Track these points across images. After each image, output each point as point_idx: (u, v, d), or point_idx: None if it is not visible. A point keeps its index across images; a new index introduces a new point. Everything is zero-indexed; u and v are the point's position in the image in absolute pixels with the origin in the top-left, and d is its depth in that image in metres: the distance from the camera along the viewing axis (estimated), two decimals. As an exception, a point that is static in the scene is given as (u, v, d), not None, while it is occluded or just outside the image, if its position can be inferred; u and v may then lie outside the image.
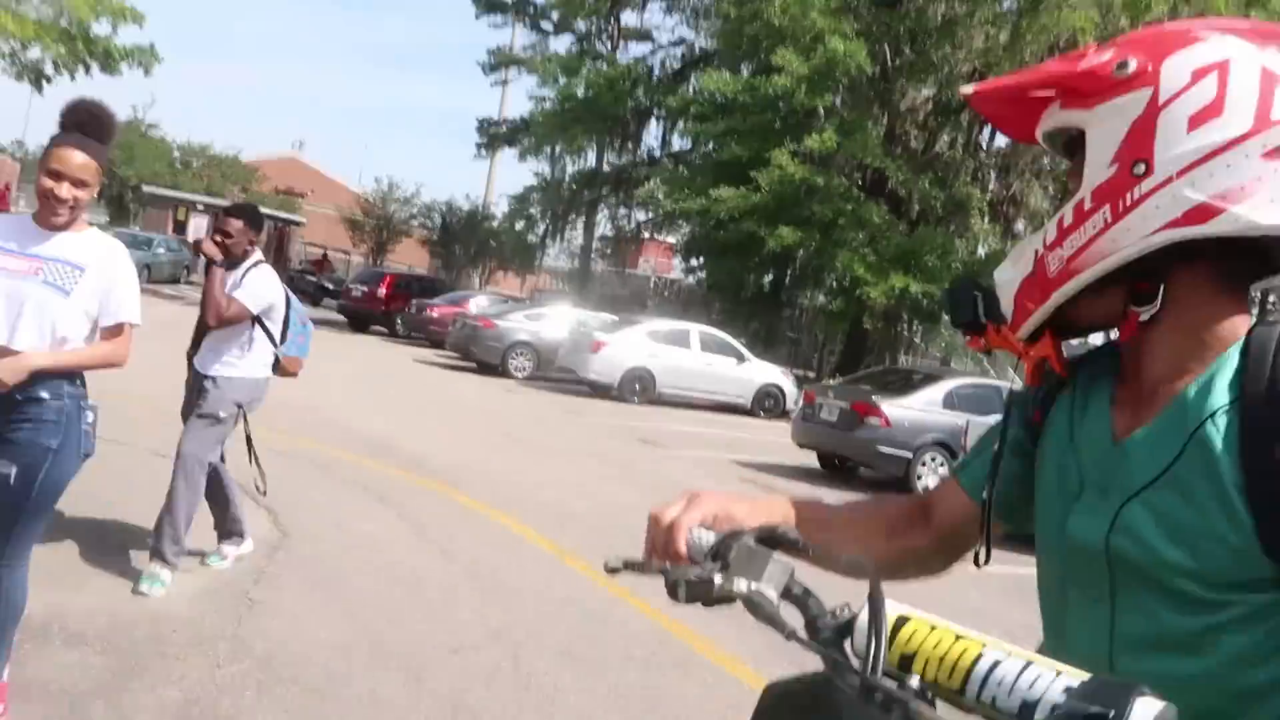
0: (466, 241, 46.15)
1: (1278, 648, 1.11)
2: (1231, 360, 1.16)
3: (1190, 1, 21.64)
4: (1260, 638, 1.11)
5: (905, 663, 1.00)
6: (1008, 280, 1.27)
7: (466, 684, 4.40)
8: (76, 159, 3.26)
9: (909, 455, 12.32)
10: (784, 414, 19.17)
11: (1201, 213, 1.11)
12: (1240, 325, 1.18)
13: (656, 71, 33.63)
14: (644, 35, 35.63)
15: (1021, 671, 0.93)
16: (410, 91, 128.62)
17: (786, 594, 1.13)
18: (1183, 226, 1.12)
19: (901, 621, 1.03)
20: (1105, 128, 1.16)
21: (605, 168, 35.08)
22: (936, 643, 1.00)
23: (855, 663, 0.99)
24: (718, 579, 1.11)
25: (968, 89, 1.27)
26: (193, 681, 4.00)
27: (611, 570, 1.23)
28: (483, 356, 21.54)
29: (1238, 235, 1.12)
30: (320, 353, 5.39)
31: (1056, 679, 0.90)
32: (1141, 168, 1.13)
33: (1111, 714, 0.83)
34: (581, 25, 35.45)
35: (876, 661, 0.96)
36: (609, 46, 35.17)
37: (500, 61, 36.94)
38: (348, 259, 48.39)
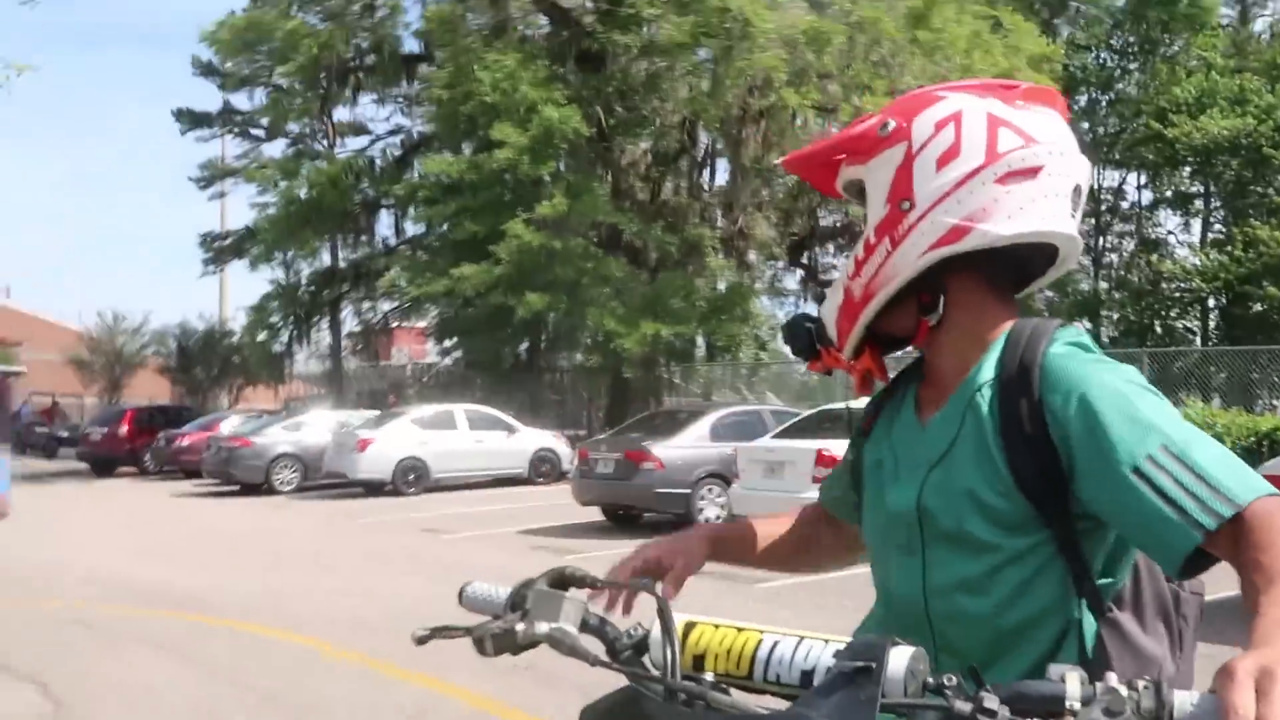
0: (208, 362, 44.24)
1: (1042, 583, 1.32)
2: (997, 348, 1.40)
3: (865, 30, 23.46)
4: (1029, 575, 1.33)
5: (698, 662, 1.10)
6: (828, 310, 1.49)
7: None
8: None
9: (687, 491, 12.70)
10: (562, 476, 19.29)
11: (956, 233, 1.36)
12: (1007, 322, 1.43)
13: (378, 162, 33.38)
14: (359, 129, 35.36)
15: (796, 647, 1.05)
16: (123, 218, 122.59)
17: (584, 627, 1.21)
18: (944, 246, 1.37)
19: (689, 627, 1.13)
20: (877, 177, 1.42)
21: (342, 264, 34.45)
22: (721, 639, 1.11)
23: (655, 672, 1.08)
24: (519, 627, 1.18)
25: (779, 160, 1.51)
26: None
27: (420, 641, 1.28)
28: (245, 477, 20.64)
29: (988, 247, 1.37)
30: (65, 506, 5.04)
31: (826, 646, 1.02)
32: (907, 204, 1.39)
33: (874, 665, 0.94)
34: (294, 127, 34.84)
35: (674, 667, 1.05)
36: (325, 144, 34.71)
37: (214, 174, 35.79)
38: (81, 402, 45.46)
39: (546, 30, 27.18)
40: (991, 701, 0.94)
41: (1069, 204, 1.40)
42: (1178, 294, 32.13)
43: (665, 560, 1.48)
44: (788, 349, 1.60)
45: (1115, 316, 35.81)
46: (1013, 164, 1.36)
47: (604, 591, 1.37)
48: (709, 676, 1.07)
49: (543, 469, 20.25)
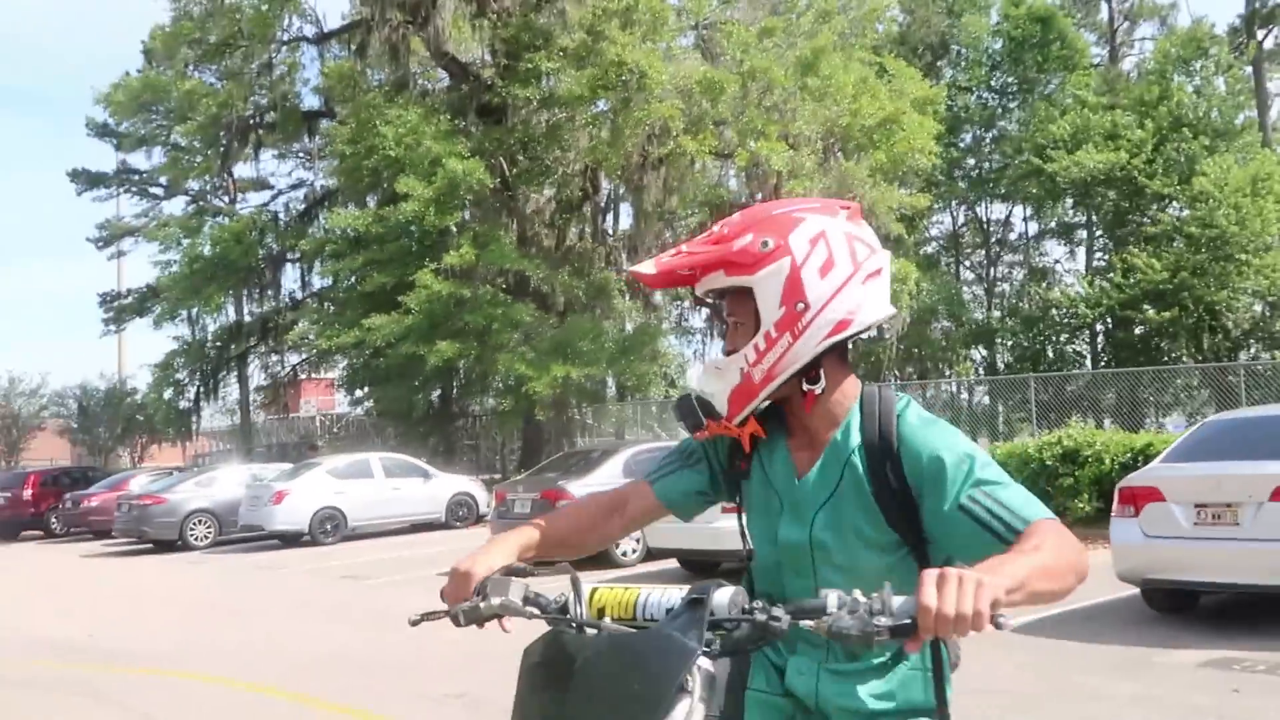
0: (110, 422, 43.53)
1: (900, 583, 1.72)
2: (855, 413, 1.92)
3: (756, 79, 24.43)
4: (894, 580, 1.81)
5: (600, 613, 1.64)
6: (719, 390, 1.92)
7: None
8: None
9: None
10: (480, 519, 19.67)
11: (841, 325, 1.87)
12: (853, 384, 1.96)
13: (282, 216, 33.50)
14: (261, 184, 35.43)
15: (662, 596, 1.59)
16: (11, 280, 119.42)
17: (527, 600, 1.75)
18: (834, 336, 1.88)
19: (594, 591, 1.67)
20: (768, 285, 1.86)
21: (247, 318, 34.36)
22: (616, 597, 1.65)
23: (570, 618, 1.62)
24: (482, 604, 1.72)
25: (642, 270, 1.93)
26: None
27: (414, 622, 1.82)
28: (158, 535, 20.54)
29: (858, 331, 1.90)
30: None
31: (680, 593, 1.57)
32: (801, 305, 1.86)
33: (705, 597, 1.50)
34: (194, 184, 34.77)
35: (583, 612, 1.59)
36: (227, 200, 34.70)
37: (113, 234, 35.52)
38: (-21, 467, 44.29)
39: (446, 85, 27.71)
40: (780, 612, 1.50)
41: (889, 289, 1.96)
42: (1066, 320, 33.57)
43: (477, 571, 1.86)
44: (679, 421, 2.02)
45: (1009, 343, 37.19)
46: (868, 269, 1.89)
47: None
48: (607, 620, 1.61)
49: (460, 513, 20.56)
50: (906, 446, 1.83)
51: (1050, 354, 35.15)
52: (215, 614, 11.76)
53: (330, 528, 19.23)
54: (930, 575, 1.43)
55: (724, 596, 1.55)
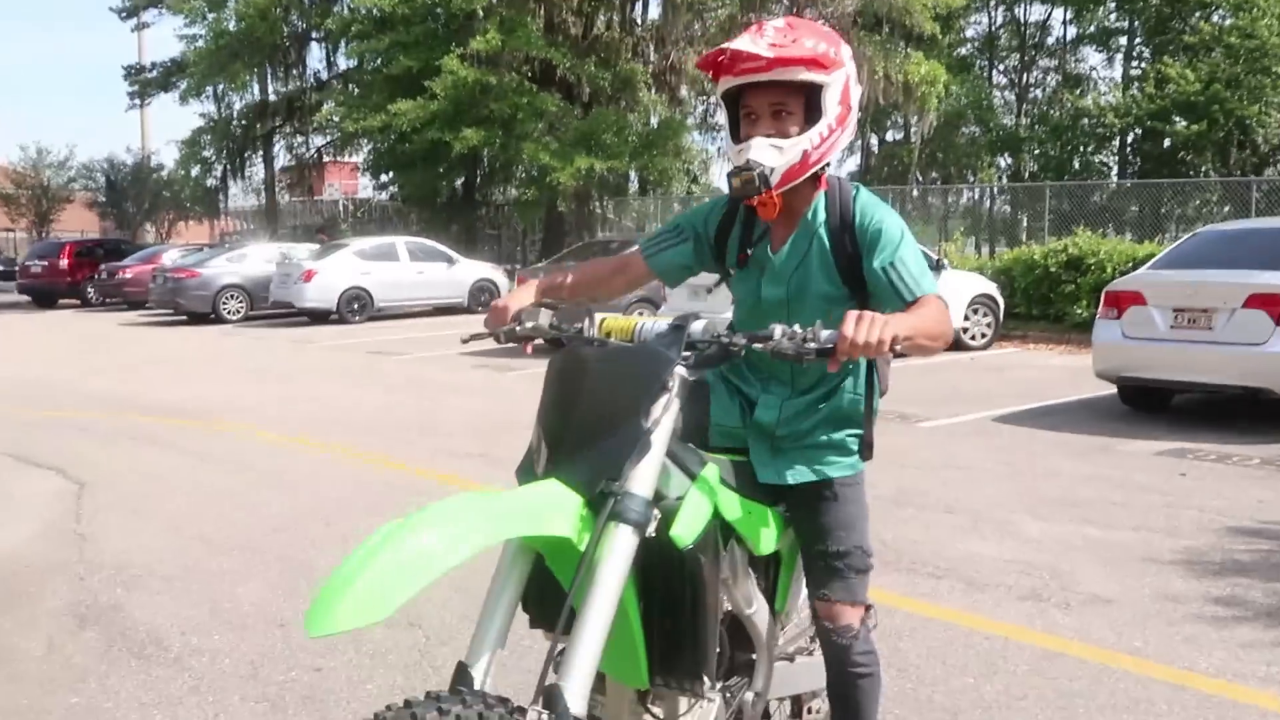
0: (138, 197, 44.02)
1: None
2: (821, 196, 2.38)
3: None
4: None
5: (608, 335, 2.17)
6: (779, 165, 2.27)
7: (297, 550, 5.35)
8: None
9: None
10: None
11: (855, 131, 2.35)
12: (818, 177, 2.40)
13: (307, -8, 32.94)
14: (286, -44, 34.64)
15: (654, 323, 2.11)
16: (34, 48, 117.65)
17: (551, 325, 2.28)
18: (849, 137, 2.37)
19: (602, 319, 2.19)
20: (836, 86, 2.29)
21: (273, 98, 34.29)
22: (619, 324, 2.17)
23: (585, 337, 2.15)
24: (518, 326, 2.25)
25: (754, 49, 2.22)
26: (66, 597, 4.78)
27: (465, 340, 2.37)
28: (192, 307, 21.38)
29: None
30: (19, 333, 5.63)
31: (669, 320, 2.09)
32: (847, 108, 2.31)
33: (685, 324, 2.02)
34: (218, -47, 34.05)
35: (592, 331, 2.13)
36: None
37: (138, 4, 35.04)
38: (11, 236, 45.12)
39: None
40: (738, 337, 2.03)
41: None
42: (1094, 130, 33.23)
43: (512, 306, 2.41)
44: (727, 188, 2.32)
45: (1035, 152, 36.85)
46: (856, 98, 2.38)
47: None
48: (612, 339, 2.15)
49: (482, 298, 21.21)
50: (860, 217, 2.34)
51: (1076, 164, 34.95)
52: (253, 379, 12.54)
53: (357, 307, 19.98)
54: (851, 314, 1.95)
55: (699, 325, 2.08)
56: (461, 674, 1.81)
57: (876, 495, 5.97)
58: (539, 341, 2.36)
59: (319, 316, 20.05)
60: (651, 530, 1.91)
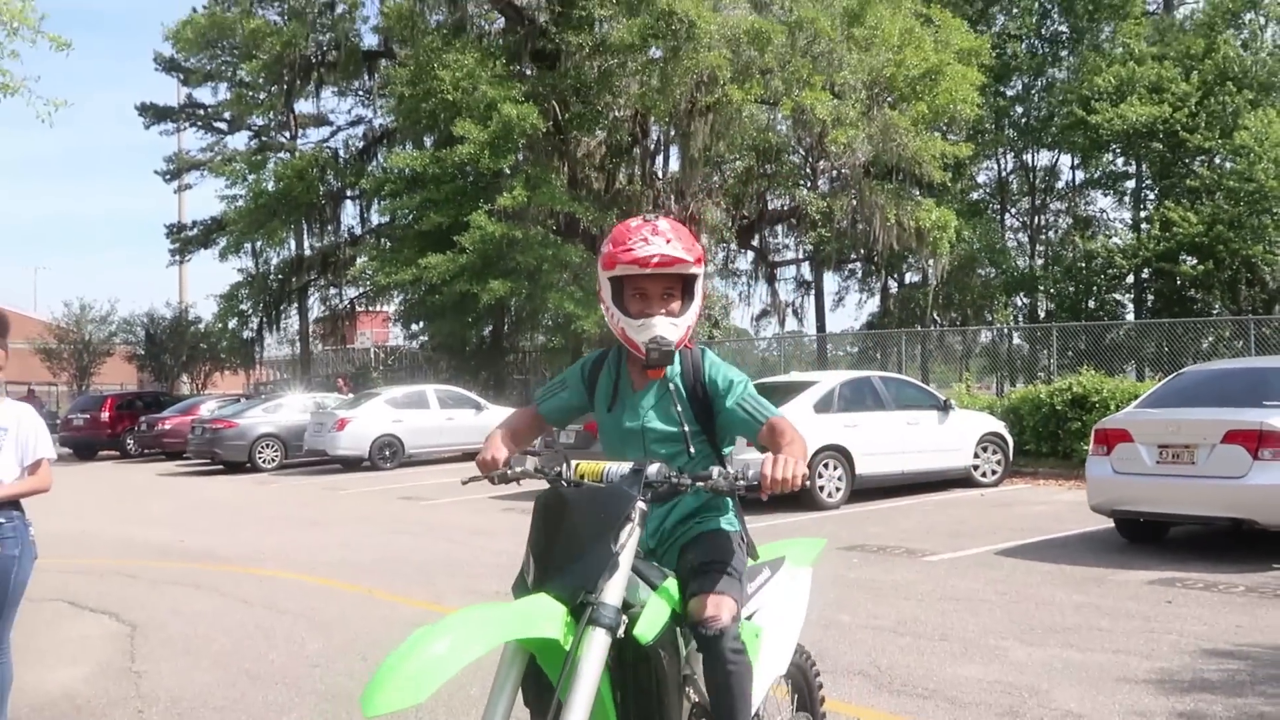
0: (175, 349, 45.30)
1: (702, 459, 2.94)
2: (678, 358, 3.03)
3: (803, 29, 25.06)
4: (699, 457, 2.95)
5: (581, 476, 2.72)
6: (675, 338, 2.98)
7: (334, 684, 5.80)
8: None
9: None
10: (537, 451, 20.87)
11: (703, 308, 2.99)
12: None
13: (341, 153, 34.63)
14: (321, 120, 36.56)
15: (618, 467, 2.67)
16: (75, 206, 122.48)
17: (537, 469, 2.83)
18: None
19: (576, 464, 2.75)
20: (700, 276, 2.99)
21: (308, 252, 35.72)
22: (591, 468, 2.73)
23: (564, 479, 2.70)
24: (508, 472, 2.81)
25: (646, 256, 2.92)
26: (128, 721, 5.24)
27: (464, 483, 2.92)
28: (229, 456, 22.07)
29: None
30: (61, 485, 6.10)
31: (629, 466, 2.64)
32: (704, 294, 3.00)
33: (642, 468, 2.58)
34: (257, 120, 35.98)
35: (569, 474, 2.68)
36: (288, 136, 35.88)
37: (180, 167, 36.88)
38: (53, 390, 46.37)
39: (502, 27, 28.55)
40: (684, 478, 2.58)
41: None
42: (1104, 271, 33.99)
43: (498, 456, 3.02)
44: (650, 356, 2.98)
45: (1051, 291, 37.54)
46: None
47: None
48: (586, 480, 2.70)
49: (508, 443, 21.78)
50: (709, 371, 3.03)
51: (1091, 303, 35.60)
52: (288, 525, 13.06)
53: (389, 454, 20.61)
54: (768, 458, 2.53)
55: (654, 468, 2.64)
56: None
57: (878, 626, 6.46)
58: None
59: (351, 463, 20.68)
60: (621, 632, 2.42)
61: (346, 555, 10.34)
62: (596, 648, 2.37)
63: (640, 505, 2.58)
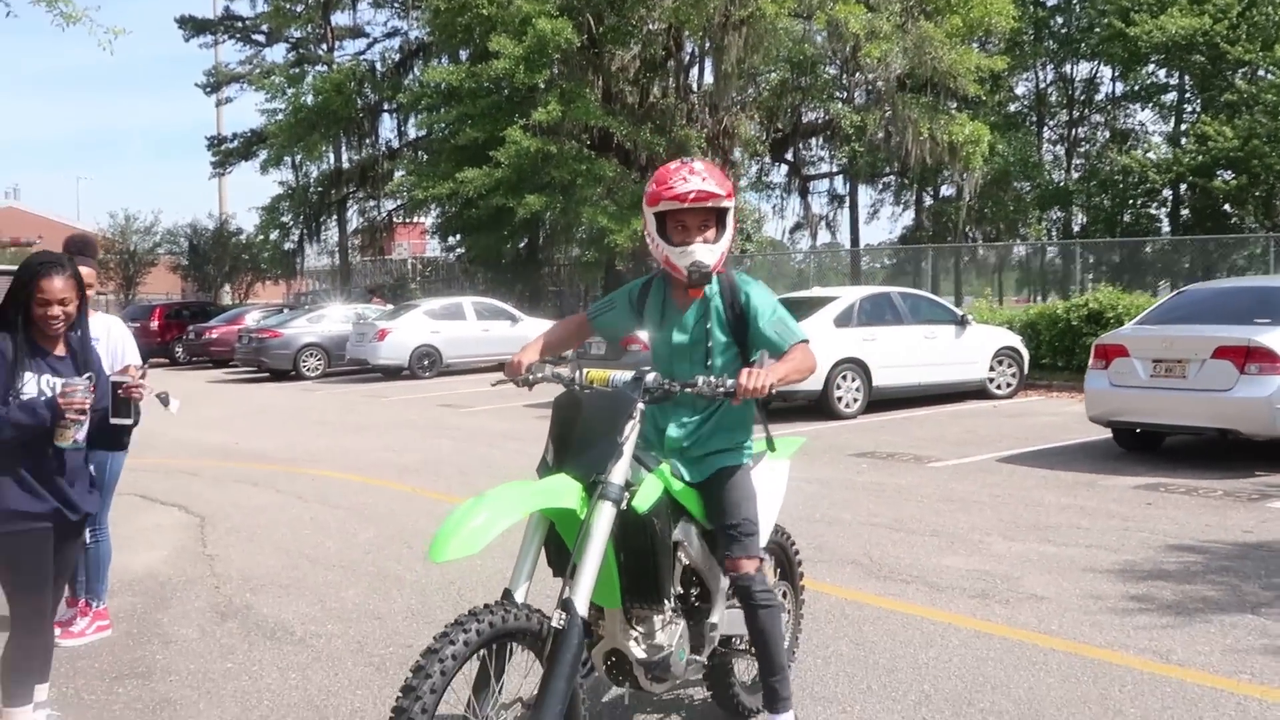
0: (218, 260, 46.19)
1: (733, 366, 3.49)
2: (716, 281, 3.56)
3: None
4: (732, 364, 3.51)
5: (591, 382, 3.33)
6: (713, 262, 3.46)
7: (386, 566, 6.52)
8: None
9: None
10: (561, 359, 21.57)
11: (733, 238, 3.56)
12: None
13: (379, 66, 34.94)
14: (357, 33, 36.82)
15: (621, 374, 3.27)
16: (116, 116, 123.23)
17: (555, 375, 3.44)
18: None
19: (587, 371, 3.35)
20: (732, 209, 3.49)
21: (347, 165, 36.25)
22: (599, 374, 3.33)
23: (577, 383, 3.31)
24: (532, 376, 3.41)
25: (684, 191, 3.44)
26: (207, 600, 5.98)
27: (493, 385, 3.53)
28: (275, 364, 22.93)
29: None
30: None
31: (630, 374, 3.24)
32: (735, 225, 3.54)
33: (641, 374, 3.18)
34: (294, 32, 36.27)
35: (581, 379, 3.29)
36: (325, 48, 36.18)
37: (220, 80, 37.32)
38: (101, 299, 47.46)
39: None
40: (675, 384, 3.17)
41: None
42: (1139, 185, 33.90)
43: (525, 360, 3.58)
44: (691, 276, 3.50)
45: (1087, 206, 37.43)
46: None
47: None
48: (594, 385, 3.30)
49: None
50: (745, 294, 3.52)
51: (1127, 218, 35.55)
52: (335, 429, 13.83)
53: (428, 363, 21.39)
54: (744, 370, 3.09)
55: (652, 375, 3.23)
56: (507, 595, 2.94)
57: (875, 523, 7.11)
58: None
59: (392, 372, 21.48)
60: (624, 505, 3.04)
61: (390, 457, 11.07)
62: (605, 517, 2.99)
63: (640, 406, 3.17)
